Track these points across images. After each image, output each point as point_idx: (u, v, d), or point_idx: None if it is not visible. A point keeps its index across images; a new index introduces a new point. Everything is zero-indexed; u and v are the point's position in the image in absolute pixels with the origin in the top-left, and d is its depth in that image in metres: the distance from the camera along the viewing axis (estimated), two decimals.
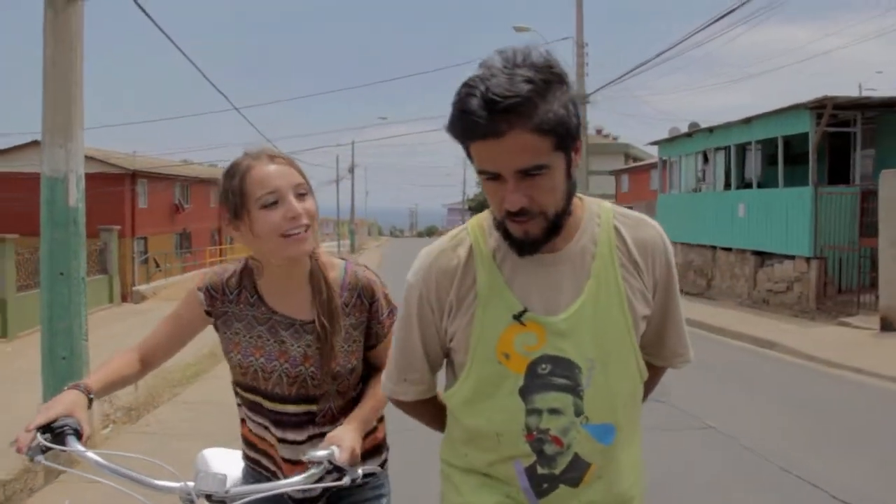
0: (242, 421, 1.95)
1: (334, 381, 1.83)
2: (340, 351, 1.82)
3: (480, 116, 1.25)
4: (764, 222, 15.06)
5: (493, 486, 1.47)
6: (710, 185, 18.28)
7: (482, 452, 1.47)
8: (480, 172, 1.33)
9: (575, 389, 1.39)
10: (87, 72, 5.41)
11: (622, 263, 1.44)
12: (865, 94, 17.90)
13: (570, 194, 1.38)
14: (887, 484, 4.95)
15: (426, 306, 1.48)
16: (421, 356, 1.53)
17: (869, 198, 12.72)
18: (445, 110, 1.33)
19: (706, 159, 18.38)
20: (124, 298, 22.37)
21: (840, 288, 13.46)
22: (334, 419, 1.83)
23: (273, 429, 1.85)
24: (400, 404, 1.64)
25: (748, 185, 16.56)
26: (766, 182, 16.03)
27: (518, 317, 1.39)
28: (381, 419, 1.94)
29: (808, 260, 13.68)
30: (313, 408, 1.84)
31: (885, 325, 10.87)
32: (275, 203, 1.73)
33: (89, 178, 5.65)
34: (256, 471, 1.93)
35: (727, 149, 17.10)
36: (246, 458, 1.97)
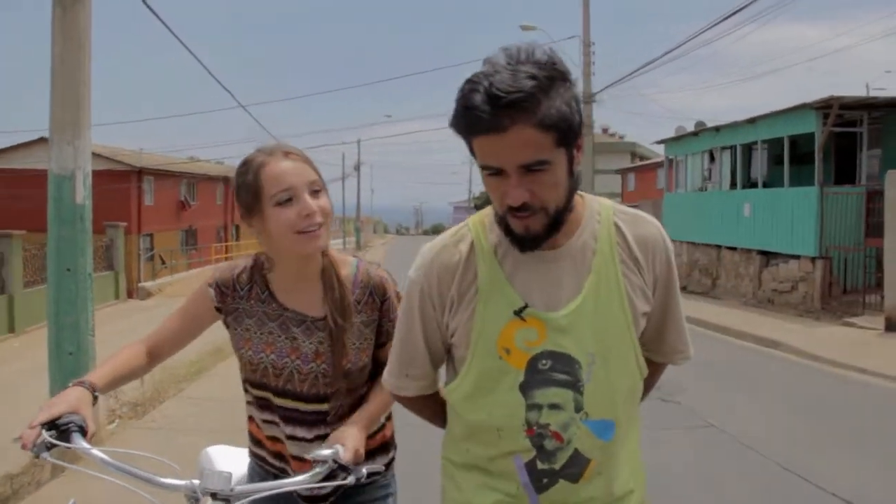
0: (250, 418, 1.94)
1: (345, 378, 1.82)
2: (352, 348, 1.82)
3: (484, 111, 1.26)
4: (769, 222, 15.03)
5: (494, 485, 1.47)
6: (716, 184, 18.24)
7: (483, 447, 1.48)
8: (483, 167, 1.35)
9: (575, 385, 1.40)
10: (93, 69, 5.44)
11: (622, 260, 1.45)
12: (874, 93, 17.84)
13: (571, 191, 1.39)
14: (890, 484, 4.94)
15: (427, 302, 1.49)
16: (423, 351, 1.54)
17: (875, 198, 12.67)
18: (451, 108, 1.34)
19: (712, 158, 18.34)
20: (130, 295, 22.45)
21: (845, 288, 13.41)
22: (345, 418, 1.82)
23: (283, 425, 1.84)
24: (402, 400, 1.65)
25: (754, 185, 16.51)
26: (772, 182, 15.99)
27: (519, 312, 1.40)
28: (388, 417, 1.94)
29: (813, 260, 13.65)
30: (325, 407, 1.83)
31: (890, 326, 10.84)
32: (289, 201, 1.72)
33: (96, 174, 5.68)
34: (262, 467, 1.93)
35: (733, 148, 17.05)
36: (252, 454, 1.97)
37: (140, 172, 26.96)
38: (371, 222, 76.93)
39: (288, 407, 1.83)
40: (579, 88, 1.37)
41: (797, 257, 14.15)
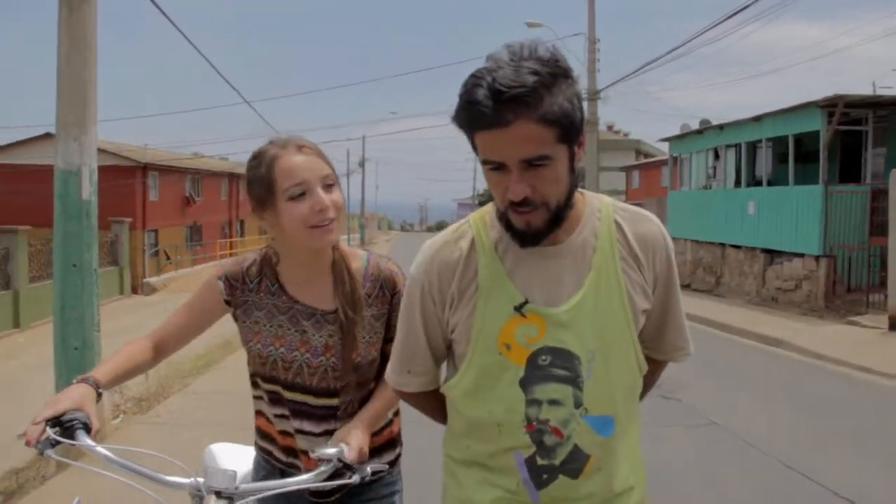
0: (258, 412, 1.94)
1: (355, 371, 1.81)
2: (362, 342, 1.81)
3: (486, 106, 1.27)
4: (774, 220, 15.00)
5: (494, 481, 1.48)
6: (720, 182, 18.21)
7: (483, 443, 1.48)
8: (485, 162, 1.35)
9: (575, 381, 1.41)
10: (99, 65, 5.44)
11: (622, 257, 1.45)
12: (879, 92, 17.77)
13: (572, 187, 1.40)
14: (893, 483, 4.95)
15: (428, 298, 1.49)
16: (424, 348, 1.54)
17: (879, 196, 12.65)
18: (455, 104, 1.34)
19: (717, 156, 18.31)
20: (135, 290, 22.50)
21: (849, 287, 13.40)
22: (355, 413, 1.81)
23: (292, 419, 1.84)
24: (404, 396, 1.65)
25: (758, 183, 16.48)
26: (777, 180, 15.95)
27: (519, 308, 1.41)
28: (396, 413, 1.94)
29: (817, 258, 13.63)
30: (335, 402, 1.82)
31: (894, 325, 10.82)
32: (302, 195, 1.71)
33: (101, 170, 5.70)
34: (269, 462, 1.93)
35: (738, 146, 17.02)
36: (259, 448, 1.96)
37: (145, 168, 26.98)
38: (375, 219, 76.94)
39: (297, 400, 1.83)
40: (582, 85, 1.38)
41: (801, 256, 14.13)
